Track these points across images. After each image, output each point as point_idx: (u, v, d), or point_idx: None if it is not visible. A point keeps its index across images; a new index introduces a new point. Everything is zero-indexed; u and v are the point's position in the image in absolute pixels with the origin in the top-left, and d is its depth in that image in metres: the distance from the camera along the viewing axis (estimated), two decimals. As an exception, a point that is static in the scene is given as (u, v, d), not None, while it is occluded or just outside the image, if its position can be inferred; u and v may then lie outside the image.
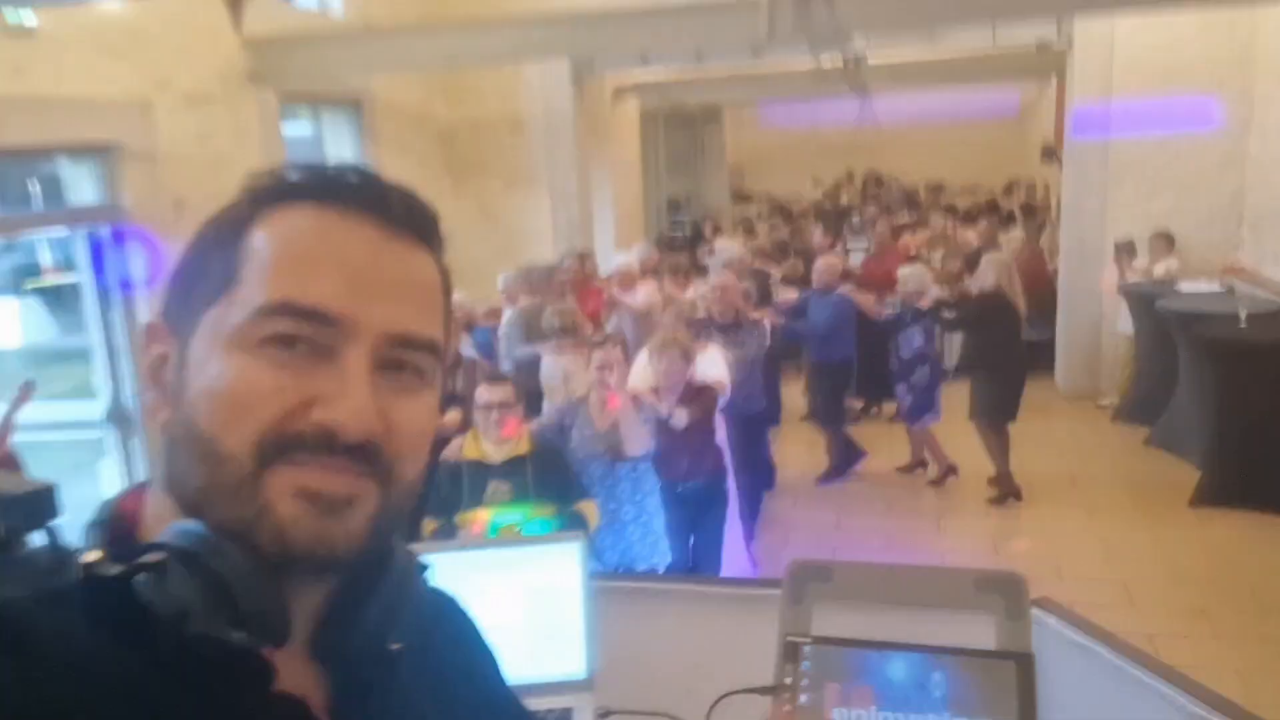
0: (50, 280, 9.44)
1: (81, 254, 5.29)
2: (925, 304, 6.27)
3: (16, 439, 4.84)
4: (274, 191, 0.67)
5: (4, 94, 4.50)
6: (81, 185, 5.27)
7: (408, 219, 0.68)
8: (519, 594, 1.36)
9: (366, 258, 0.65)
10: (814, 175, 17.41)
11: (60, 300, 8.73)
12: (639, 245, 7.81)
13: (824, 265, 6.66)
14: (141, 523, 0.67)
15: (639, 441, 3.80)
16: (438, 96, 8.68)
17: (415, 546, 1.31)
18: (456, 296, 4.67)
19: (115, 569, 0.59)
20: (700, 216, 14.84)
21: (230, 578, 0.59)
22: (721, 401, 4.43)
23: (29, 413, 4.89)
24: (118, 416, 5.37)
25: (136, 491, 0.70)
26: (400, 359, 0.66)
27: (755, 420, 5.68)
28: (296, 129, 7.23)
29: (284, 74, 6.37)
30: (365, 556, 0.65)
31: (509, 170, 8.92)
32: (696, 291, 6.50)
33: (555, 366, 5.23)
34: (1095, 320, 8.15)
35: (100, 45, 5.04)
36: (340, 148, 7.60)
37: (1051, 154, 12.78)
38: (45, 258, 9.43)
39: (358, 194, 0.67)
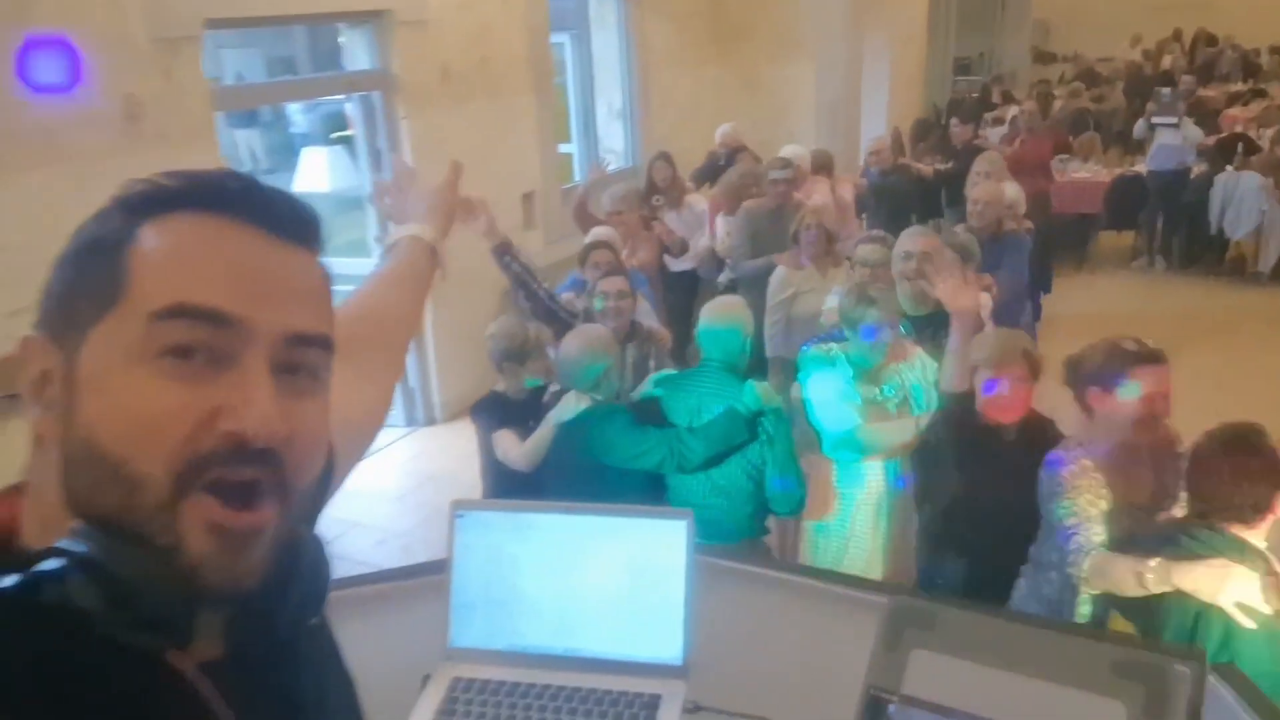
0: (354, 131, 10.35)
1: (357, 117, 5.62)
2: None
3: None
4: (153, 200, 0.66)
5: (287, -36, 4.76)
6: (358, 52, 5.54)
7: (291, 224, 0.68)
8: (619, 565, 1.29)
9: (256, 261, 0.65)
10: (1134, 34, 15.25)
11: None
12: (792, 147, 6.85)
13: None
14: (20, 529, 0.67)
15: None
16: (707, -45, 8.32)
17: (515, 503, 1.27)
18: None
19: (12, 580, 0.59)
20: (991, 79, 13.54)
21: (137, 584, 0.60)
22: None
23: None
24: (385, 273, 5.77)
25: (6, 497, 0.69)
26: (296, 360, 0.66)
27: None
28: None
29: (549, -66, 6.31)
30: (270, 572, 0.66)
31: (775, 37, 8.49)
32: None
33: (779, 279, 4.51)
34: None
35: (374, -88, 5.18)
36: (604, 12, 7.51)
37: None
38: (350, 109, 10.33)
39: (241, 201, 0.66)
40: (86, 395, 0.62)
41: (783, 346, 4.36)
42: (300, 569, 0.70)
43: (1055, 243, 8.64)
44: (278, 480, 0.64)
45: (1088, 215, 8.69)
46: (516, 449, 3.10)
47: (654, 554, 1.27)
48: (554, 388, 3.33)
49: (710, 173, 6.74)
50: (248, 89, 6.87)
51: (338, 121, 10.53)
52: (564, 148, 7.51)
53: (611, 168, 7.74)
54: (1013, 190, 5.35)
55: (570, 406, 2.94)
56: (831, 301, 3.74)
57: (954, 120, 7.79)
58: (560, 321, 3.76)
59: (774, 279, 4.52)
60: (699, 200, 6.03)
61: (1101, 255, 8.98)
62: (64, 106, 3.91)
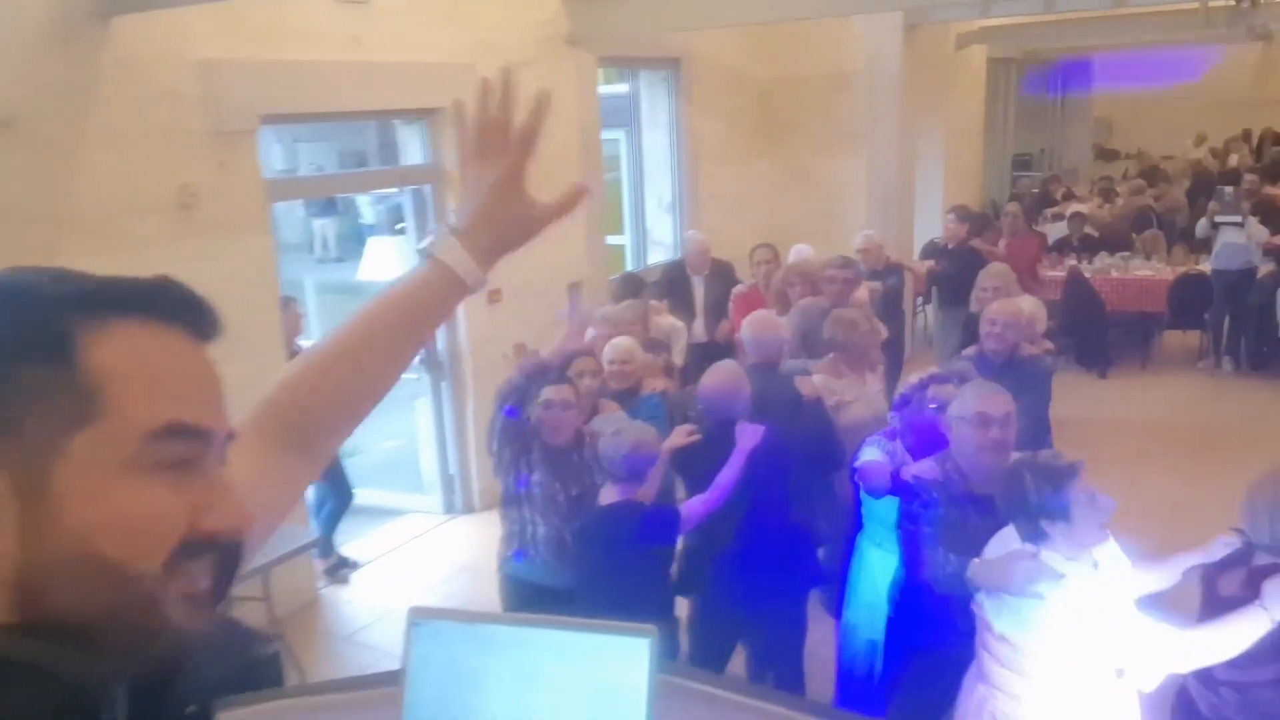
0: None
1: (409, 209, 5.76)
2: None
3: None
4: (88, 302, 0.66)
5: (343, 61, 4.94)
6: (412, 146, 5.70)
7: (205, 324, 0.71)
8: (580, 684, 1.22)
9: (198, 368, 0.70)
10: (1199, 134, 15.03)
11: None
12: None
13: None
14: None
15: None
16: (757, 53, 8.47)
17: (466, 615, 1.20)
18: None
19: None
20: (1051, 176, 13.46)
21: (79, 682, 0.61)
22: None
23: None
24: (430, 360, 5.83)
25: None
26: (225, 455, 0.72)
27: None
28: (611, 90, 7.38)
29: (602, 35, 6.48)
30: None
31: (825, 129, 8.57)
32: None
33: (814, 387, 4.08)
34: None
35: (429, 12, 5.37)
36: (656, 108, 7.66)
37: None
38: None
39: (171, 305, 0.69)
40: (75, 505, 0.63)
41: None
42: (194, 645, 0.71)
43: (1117, 340, 8.45)
44: (227, 553, 0.69)
45: (1150, 314, 8.49)
46: None
47: (615, 673, 1.19)
48: None
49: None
50: (301, 180, 7.12)
51: (402, 214, 10.92)
52: (615, 239, 7.60)
53: (655, 260, 7.81)
54: (1030, 305, 4.82)
55: None
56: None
57: (950, 216, 7.29)
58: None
59: (806, 390, 4.16)
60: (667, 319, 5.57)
61: (1166, 355, 8.72)
62: (120, 195, 4.06)
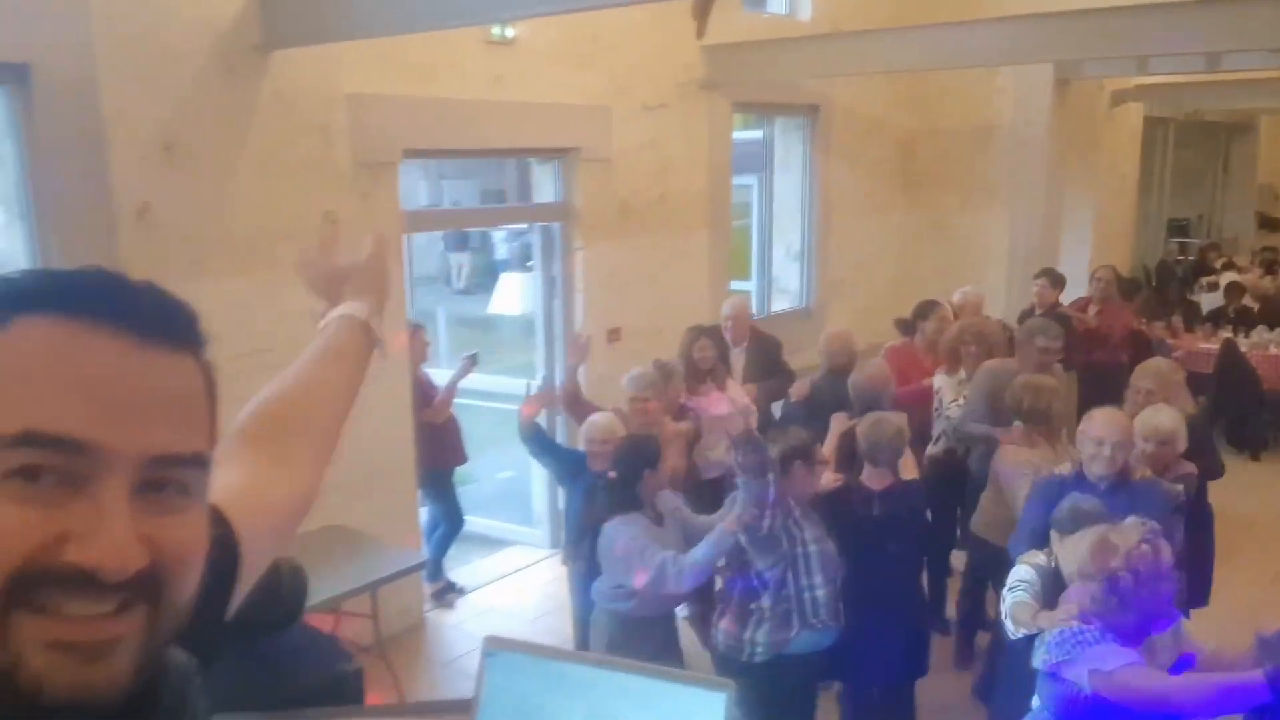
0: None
1: (537, 245, 5.86)
2: None
3: (460, 403, 5.51)
4: (6, 300, 0.61)
5: (486, 99, 5.09)
6: (544, 184, 5.82)
7: (160, 323, 0.63)
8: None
9: (117, 375, 0.60)
10: None
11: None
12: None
13: None
14: None
15: None
16: (898, 102, 8.34)
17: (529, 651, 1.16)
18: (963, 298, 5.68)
19: None
20: (1209, 243, 12.74)
21: None
22: None
23: (472, 381, 5.54)
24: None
25: None
26: (162, 479, 0.61)
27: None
28: (745, 135, 7.37)
29: (740, 81, 6.49)
30: (134, 688, 0.61)
31: (969, 184, 8.34)
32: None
33: (1018, 461, 4.05)
34: None
35: (570, 55, 5.50)
36: (790, 154, 7.61)
37: None
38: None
39: (103, 301, 0.61)
40: None
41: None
42: (163, 693, 0.65)
43: (1273, 420, 7.85)
44: (146, 591, 0.60)
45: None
46: None
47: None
48: None
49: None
50: (436, 213, 7.37)
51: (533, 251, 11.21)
52: (741, 284, 7.55)
53: (779, 307, 7.71)
54: (1171, 420, 3.76)
55: None
56: None
57: (1041, 280, 6.78)
58: None
59: (1006, 463, 4.07)
60: (738, 391, 5.11)
61: (1334, 437, 8.06)
62: (268, 220, 4.27)
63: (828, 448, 3.98)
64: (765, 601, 3.34)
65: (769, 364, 5.50)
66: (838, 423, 4.19)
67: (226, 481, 0.92)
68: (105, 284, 0.63)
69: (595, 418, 4.11)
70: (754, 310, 7.64)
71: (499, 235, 14.78)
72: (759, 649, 3.35)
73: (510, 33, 5.09)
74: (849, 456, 3.93)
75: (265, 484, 0.98)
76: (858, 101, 7.87)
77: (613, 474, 3.55)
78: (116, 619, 0.59)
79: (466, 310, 12.16)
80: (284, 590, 2.65)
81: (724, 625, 3.45)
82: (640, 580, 3.27)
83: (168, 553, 0.61)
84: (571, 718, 1.22)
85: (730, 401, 4.91)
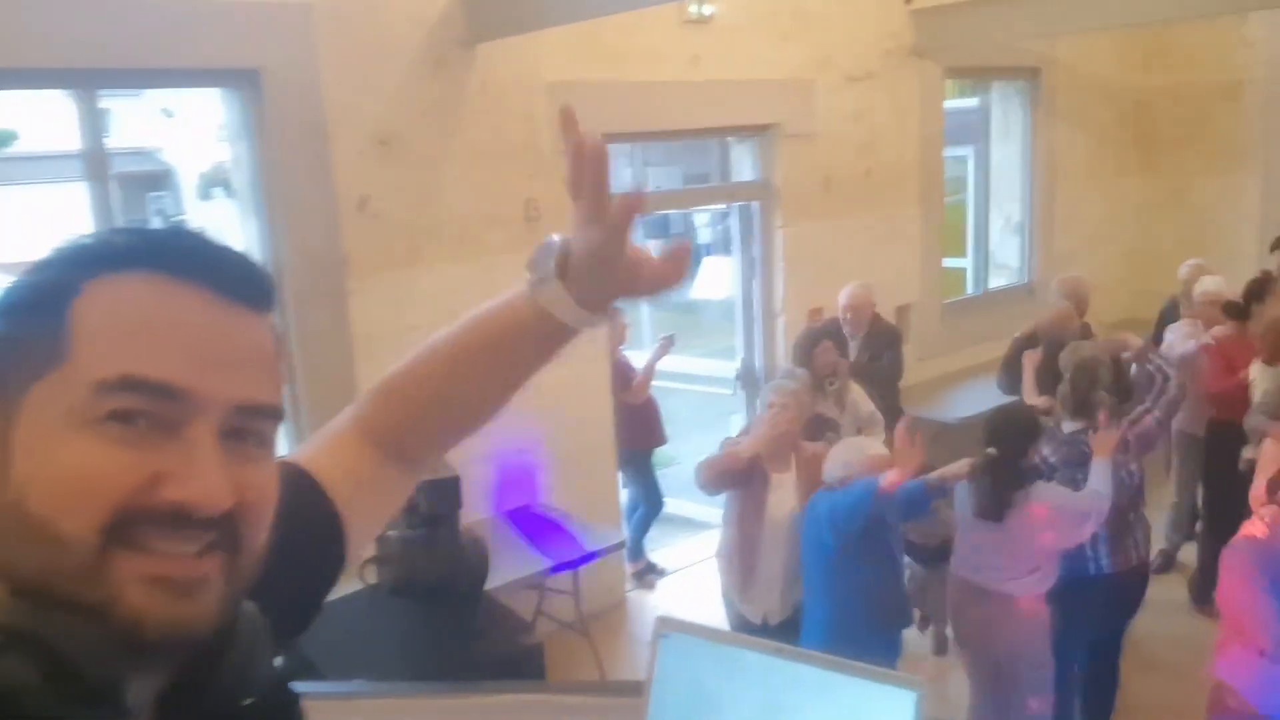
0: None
1: (735, 226, 5.79)
2: None
3: (661, 385, 5.52)
4: (99, 257, 0.64)
5: (684, 80, 5.06)
6: (743, 162, 5.73)
7: (242, 284, 0.66)
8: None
9: (206, 328, 0.64)
10: None
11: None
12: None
13: None
14: None
15: None
16: (1130, 61, 7.64)
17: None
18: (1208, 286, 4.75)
19: None
20: None
21: (73, 657, 0.58)
22: None
23: (674, 364, 5.55)
24: (747, 377, 5.81)
25: None
26: (244, 427, 0.64)
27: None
28: (959, 104, 6.98)
29: (952, 46, 6.14)
30: (219, 629, 0.64)
31: (1213, 146, 7.53)
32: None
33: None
34: None
35: (770, 29, 5.37)
36: (1009, 122, 7.14)
37: None
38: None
39: (191, 260, 0.64)
40: (20, 456, 0.61)
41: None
42: (237, 639, 0.66)
43: None
44: (227, 536, 0.63)
45: None
46: None
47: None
48: None
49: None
50: (642, 197, 7.38)
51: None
52: (954, 262, 7.18)
53: (997, 284, 7.25)
54: None
55: None
56: None
57: None
58: None
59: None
60: (863, 398, 4.55)
61: None
62: (476, 207, 4.42)
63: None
64: None
65: (884, 355, 5.02)
66: None
67: (339, 465, 0.93)
68: (194, 244, 0.66)
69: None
70: (969, 287, 7.26)
71: (702, 219, 14.81)
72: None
73: (708, 10, 5.03)
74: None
75: (376, 476, 0.97)
76: (1084, 61, 7.27)
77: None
78: (204, 559, 0.62)
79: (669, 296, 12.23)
80: (468, 565, 2.73)
81: None
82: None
83: (248, 498, 0.64)
84: (746, 706, 1.15)
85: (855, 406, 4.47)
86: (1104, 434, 3.41)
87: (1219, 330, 4.94)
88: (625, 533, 5.18)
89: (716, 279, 9.95)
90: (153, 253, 0.64)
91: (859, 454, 3.34)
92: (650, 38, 4.88)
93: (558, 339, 0.91)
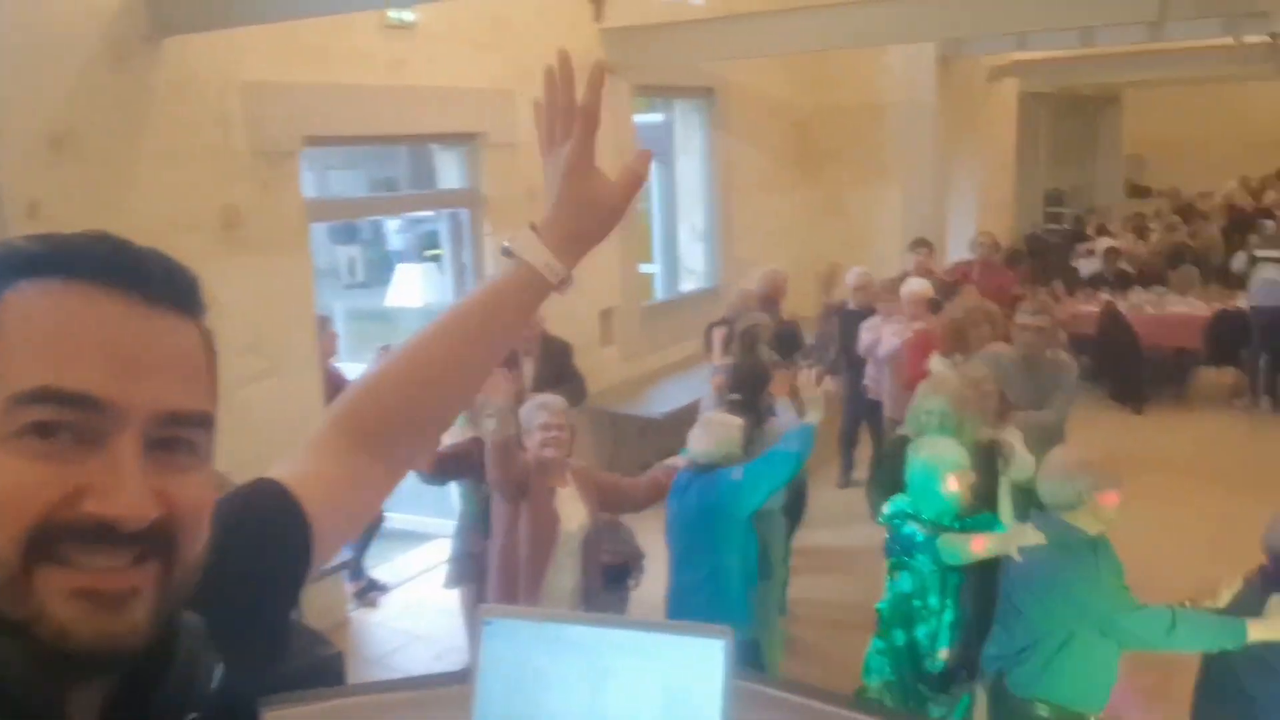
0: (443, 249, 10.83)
1: (445, 233, 5.79)
2: None
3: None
4: (10, 265, 0.62)
5: (386, 85, 5.00)
6: (449, 171, 5.75)
7: (165, 288, 0.64)
8: (651, 687, 1.19)
9: (127, 335, 0.62)
10: (1242, 175, 14.59)
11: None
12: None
13: None
14: None
15: None
16: (793, 83, 8.52)
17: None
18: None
19: None
20: (1084, 211, 13.40)
21: (1, 676, 0.57)
22: None
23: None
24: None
25: None
26: (173, 436, 0.63)
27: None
28: (646, 119, 7.42)
29: (639, 64, 6.52)
30: (151, 641, 0.62)
31: (861, 161, 8.58)
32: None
33: None
34: None
35: (471, 38, 5.44)
36: (690, 137, 7.69)
37: None
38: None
39: (109, 265, 0.63)
40: None
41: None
42: (178, 650, 0.65)
43: (1152, 376, 8.34)
44: (160, 546, 0.61)
45: (1186, 350, 8.38)
46: None
47: (689, 676, 1.17)
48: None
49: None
50: (341, 202, 7.18)
51: (431, 240, 10.99)
52: (645, 268, 7.61)
53: (687, 288, 7.80)
54: None
55: None
56: None
57: (923, 251, 6.95)
58: None
59: None
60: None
61: (1201, 393, 8.60)
62: (167, 213, 4.11)
63: None
64: None
65: (559, 370, 4.97)
66: None
67: (314, 471, 0.93)
68: (114, 248, 0.64)
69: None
70: (658, 293, 7.73)
71: (392, 226, 14.49)
72: None
73: (409, 16, 5.00)
74: None
75: (359, 478, 0.97)
76: (753, 83, 8.00)
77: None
78: (134, 570, 0.60)
79: (362, 304, 11.87)
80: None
81: None
82: None
83: (179, 508, 0.62)
84: (572, 677, 1.24)
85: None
86: (778, 379, 4.20)
87: (918, 325, 5.69)
88: (345, 552, 5.02)
89: (411, 287, 9.80)
90: (69, 259, 0.62)
91: (727, 430, 3.70)
92: (353, 40, 4.78)
93: (531, 297, 1.02)
